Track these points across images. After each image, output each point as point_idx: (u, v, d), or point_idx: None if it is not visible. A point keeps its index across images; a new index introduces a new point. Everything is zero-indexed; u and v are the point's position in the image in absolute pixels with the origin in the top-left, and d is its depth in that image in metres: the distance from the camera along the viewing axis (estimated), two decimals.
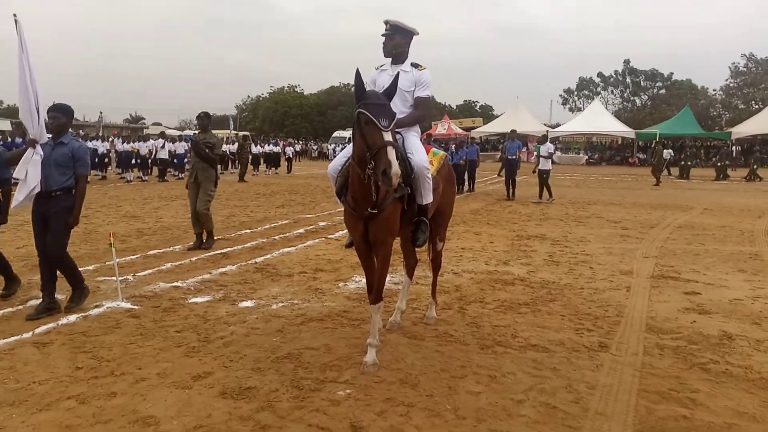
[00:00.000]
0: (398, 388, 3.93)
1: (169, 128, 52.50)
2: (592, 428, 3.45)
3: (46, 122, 5.45)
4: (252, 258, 8.02)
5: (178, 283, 6.53)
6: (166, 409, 3.56)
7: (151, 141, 23.31)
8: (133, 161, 22.69)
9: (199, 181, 8.66)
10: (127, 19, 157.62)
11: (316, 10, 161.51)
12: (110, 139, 25.92)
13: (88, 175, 5.61)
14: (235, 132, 45.92)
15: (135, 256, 7.93)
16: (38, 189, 5.26)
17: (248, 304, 5.87)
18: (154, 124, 64.60)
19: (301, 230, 10.64)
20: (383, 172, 3.61)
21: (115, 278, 6.01)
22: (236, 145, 28.37)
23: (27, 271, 7.01)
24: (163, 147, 22.60)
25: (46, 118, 5.45)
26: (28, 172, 5.20)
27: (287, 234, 10.19)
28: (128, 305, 5.67)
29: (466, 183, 19.07)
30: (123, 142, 24.21)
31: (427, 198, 4.48)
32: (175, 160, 23.74)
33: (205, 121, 9.06)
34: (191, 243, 8.72)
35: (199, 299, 5.96)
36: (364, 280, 5.38)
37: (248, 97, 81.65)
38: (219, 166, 25.00)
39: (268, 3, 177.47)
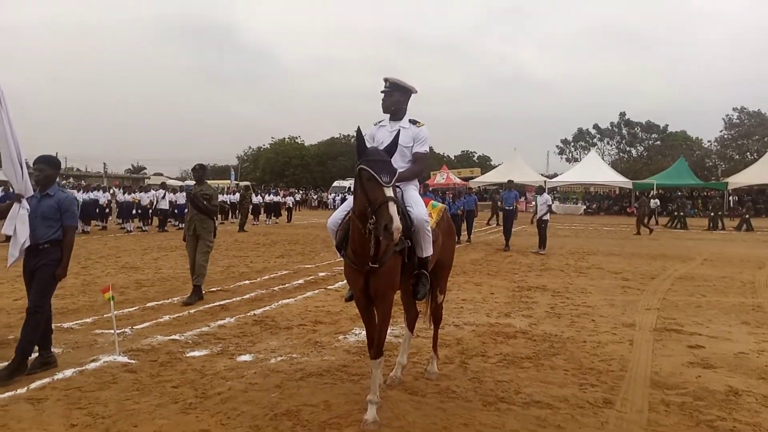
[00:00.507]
0: None
1: (171, 178, 53.05)
2: None
3: (32, 174, 5.40)
4: (251, 310, 7.95)
5: (176, 336, 6.45)
6: None
7: (153, 191, 23.44)
8: (134, 212, 22.76)
9: (197, 233, 8.61)
10: (129, 69, 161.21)
11: (316, 65, 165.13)
12: (111, 190, 26.07)
13: (75, 227, 5.51)
14: (236, 182, 46.35)
15: (133, 308, 7.87)
16: (27, 243, 5.17)
17: (246, 358, 5.79)
18: (156, 174, 65.23)
19: (301, 281, 10.59)
20: (385, 228, 3.65)
21: (112, 331, 5.95)
22: (237, 195, 28.56)
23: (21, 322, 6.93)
24: (163, 197, 22.73)
25: (31, 171, 5.40)
26: (17, 228, 5.14)
27: (286, 285, 10.14)
28: (125, 359, 5.59)
29: (464, 233, 19.07)
30: (124, 193, 24.36)
31: (427, 251, 4.49)
32: (176, 211, 23.84)
33: (201, 172, 9.09)
34: (186, 297, 8.51)
35: (197, 353, 5.88)
36: (364, 333, 5.33)
37: (249, 147, 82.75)
38: (219, 216, 24.90)
39: (270, 56, 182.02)
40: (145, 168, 79.17)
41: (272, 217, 29.72)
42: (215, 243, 9.11)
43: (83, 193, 22.07)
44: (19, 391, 4.72)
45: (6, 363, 5.09)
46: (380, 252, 4.09)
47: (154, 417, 4.26)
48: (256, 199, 29.78)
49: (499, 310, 8.26)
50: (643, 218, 25.11)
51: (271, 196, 31.36)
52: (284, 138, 76.54)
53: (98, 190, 23.50)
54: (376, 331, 4.37)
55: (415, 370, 5.47)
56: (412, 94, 4.87)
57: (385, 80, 4.78)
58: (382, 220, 3.68)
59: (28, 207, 5.22)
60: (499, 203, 23.29)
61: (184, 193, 23.53)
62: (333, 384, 5.08)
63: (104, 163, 42.47)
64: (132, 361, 5.55)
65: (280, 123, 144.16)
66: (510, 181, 19.34)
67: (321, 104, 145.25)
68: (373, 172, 3.81)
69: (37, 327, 5.16)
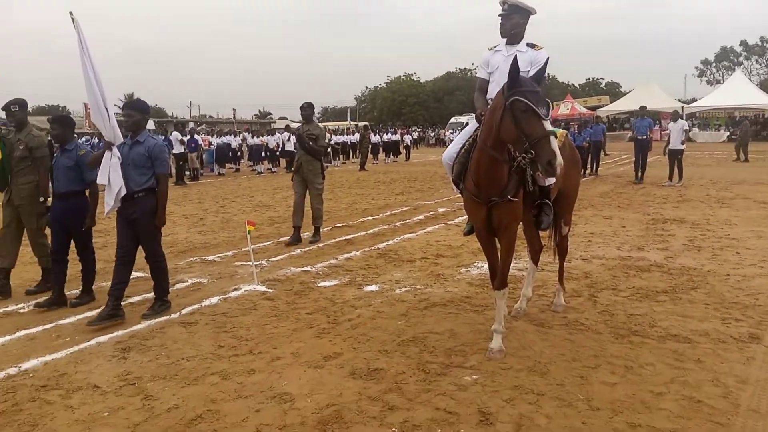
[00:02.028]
0: (526, 376, 3.84)
1: (294, 122, 54.79)
2: (743, 426, 3.17)
3: (121, 121, 5.39)
4: (375, 244, 8.19)
5: (308, 268, 6.82)
6: (300, 387, 3.73)
7: (278, 134, 24.48)
8: (263, 154, 23.94)
9: (303, 173, 8.41)
10: (250, 21, 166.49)
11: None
12: (241, 135, 27.52)
13: (167, 174, 5.39)
14: (355, 123, 47.06)
15: (268, 243, 8.38)
16: (124, 191, 5.09)
17: (373, 288, 6.00)
18: (281, 118, 67.71)
19: (421, 217, 10.70)
20: (548, 163, 3.50)
21: (250, 263, 6.40)
22: (357, 135, 29.09)
23: (173, 256, 7.65)
24: (288, 140, 23.60)
25: (120, 117, 5.44)
26: (110, 176, 5.07)
27: (407, 220, 10.29)
28: (263, 288, 6.01)
29: (589, 166, 18.05)
30: (253, 137, 25.64)
31: (551, 179, 4.31)
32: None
33: (308, 111, 8.71)
34: (288, 238, 8.46)
35: (327, 283, 6.19)
36: (486, 266, 5.31)
37: (366, 88, 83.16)
38: (341, 156, 25.49)
39: None
40: (270, 113, 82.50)
41: (391, 156, 30.03)
42: (324, 183, 8.83)
43: (216, 137, 23.52)
44: (173, 315, 5.23)
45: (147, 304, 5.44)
46: (510, 184, 4.00)
47: (292, 340, 4.57)
48: (374, 138, 30.18)
49: (632, 243, 7.86)
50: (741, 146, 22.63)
51: (389, 135, 31.59)
52: (400, 76, 76.11)
53: (230, 135, 24.91)
54: (499, 262, 4.33)
55: (540, 302, 5.39)
56: (531, 16, 4.59)
57: (503, 2, 4.51)
58: (544, 155, 3.51)
59: (120, 155, 5.13)
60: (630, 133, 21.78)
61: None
62: (457, 314, 5.15)
63: (233, 109, 44.64)
64: (269, 290, 5.95)
65: (395, 61, 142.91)
66: (642, 108, 17.91)
67: (435, 39, 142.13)
68: (531, 104, 3.58)
69: (163, 273, 5.37)
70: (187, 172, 19.38)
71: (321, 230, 8.72)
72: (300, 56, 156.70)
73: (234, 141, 24.24)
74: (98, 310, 5.13)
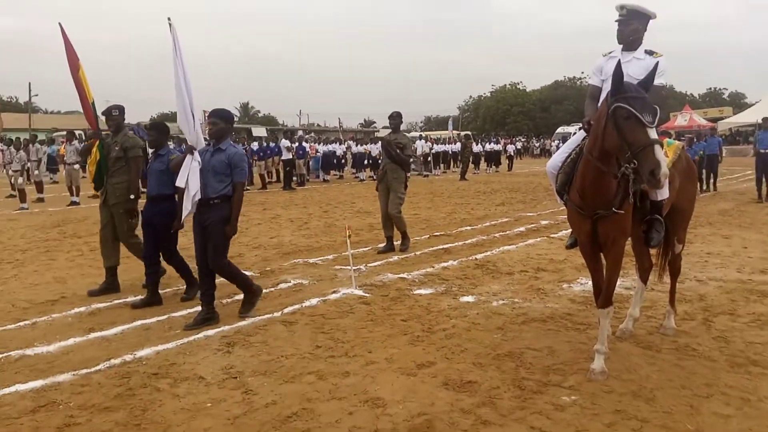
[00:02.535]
0: (630, 401, 3.63)
1: (403, 132, 55.35)
2: None
3: (205, 128, 5.51)
4: (472, 254, 8.09)
5: (404, 275, 6.86)
6: (393, 393, 3.75)
7: (381, 144, 24.85)
8: (366, 162, 24.41)
9: (388, 182, 8.35)
10: (354, 30, 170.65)
11: (538, 4, 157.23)
12: (346, 143, 28.22)
13: (244, 183, 5.42)
14: (457, 132, 46.82)
15: (366, 248, 8.52)
16: (198, 196, 5.13)
17: (469, 299, 5.93)
18: (384, 127, 68.64)
19: (522, 228, 10.45)
20: (651, 173, 3.32)
21: (349, 267, 6.53)
22: (458, 144, 28.96)
23: (278, 258, 7.97)
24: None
25: (205, 124, 5.55)
26: (189, 180, 5.12)
27: (507, 232, 10.09)
28: (360, 293, 6.11)
29: (704, 182, 16.66)
30: (357, 145, 26.21)
31: (662, 193, 4.07)
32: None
33: (397, 120, 8.68)
34: (381, 246, 8.44)
35: (423, 291, 6.19)
36: (590, 282, 5.09)
37: (470, 97, 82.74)
38: (441, 166, 25.42)
39: (487, 2, 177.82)
40: (374, 122, 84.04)
41: (492, 166, 29.62)
42: (406, 194, 8.74)
43: (323, 145, 24.28)
44: (275, 314, 5.44)
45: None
46: (617, 196, 3.81)
47: (386, 345, 4.61)
48: (476, 147, 29.89)
49: (753, 265, 7.24)
50: None
51: (492, 144, 31.18)
52: (505, 85, 75.01)
53: (335, 143, 25.62)
54: (604, 279, 4.13)
55: (648, 324, 5.09)
56: (651, 21, 4.35)
57: (621, 7, 4.31)
58: (647, 165, 3.32)
59: (200, 160, 5.18)
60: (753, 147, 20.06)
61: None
62: (557, 331, 4.97)
63: (339, 118, 45.96)
64: (366, 295, 6.04)
65: (500, 70, 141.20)
66: (765, 119, 16.46)
67: (543, 46, 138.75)
68: (634, 110, 3.41)
69: (233, 275, 5.36)
70: (294, 178, 20.12)
71: (409, 235, 8.63)
72: (403, 65, 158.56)
73: (339, 149, 24.91)
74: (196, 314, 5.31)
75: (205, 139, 5.55)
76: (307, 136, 30.52)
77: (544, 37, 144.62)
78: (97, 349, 4.61)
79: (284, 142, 20.24)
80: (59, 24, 6.47)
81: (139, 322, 5.23)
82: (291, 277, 6.88)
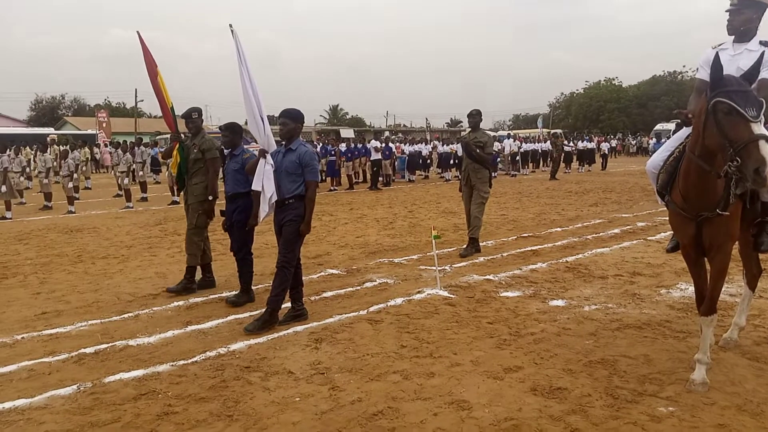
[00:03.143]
0: (734, 415, 3.38)
1: (484, 129, 54.73)
2: None
3: (275, 129, 5.47)
4: (563, 257, 7.83)
5: (490, 277, 6.74)
6: (479, 397, 3.69)
7: None
8: (452, 161, 24.25)
9: (471, 182, 8.19)
10: (442, 31, 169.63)
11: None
12: (432, 143, 28.17)
13: (316, 182, 5.33)
14: (547, 130, 45.60)
15: (451, 249, 8.45)
16: (275, 198, 5.21)
17: (559, 303, 5.74)
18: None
19: (616, 230, 10.00)
20: (755, 171, 3.07)
21: (434, 268, 6.50)
22: (548, 143, 28.18)
23: (364, 257, 8.06)
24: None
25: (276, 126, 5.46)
26: (264, 184, 5.19)
27: (600, 234, 9.68)
28: (445, 293, 6.06)
29: None
30: (443, 145, 26.10)
31: None
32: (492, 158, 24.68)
33: (476, 119, 8.48)
34: (464, 248, 8.22)
35: (510, 294, 6.06)
36: (691, 288, 4.78)
37: (561, 94, 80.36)
38: (530, 165, 24.77)
39: None
40: (461, 121, 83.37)
41: (585, 165, 28.57)
42: (490, 193, 8.53)
43: (409, 145, 24.36)
44: (361, 312, 5.50)
45: (260, 312, 5.34)
46: (723, 197, 3.55)
47: (472, 348, 4.54)
48: (567, 146, 28.95)
49: None
50: None
51: (584, 142, 30.08)
52: (599, 81, 72.17)
53: (421, 143, 25.64)
54: (708, 285, 3.87)
55: (755, 334, 4.72)
56: (767, 9, 4.02)
57: None
58: (750, 162, 3.08)
59: (272, 162, 5.22)
60: None
61: (497, 143, 24.14)
62: (654, 338, 4.71)
63: (426, 119, 46.01)
64: (451, 296, 5.99)
65: (593, 66, 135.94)
66: None
67: (640, 40, 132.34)
68: (734, 105, 3.19)
69: (285, 281, 5.17)
70: (380, 178, 20.32)
71: (479, 242, 8.30)
72: (490, 65, 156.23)
73: (425, 149, 24.89)
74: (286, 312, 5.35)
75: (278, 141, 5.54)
76: (393, 136, 30.76)
77: (644, 31, 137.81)
78: (193, 342, 4.85)
79: (374, 143, 20.48)
80: (137, 32, 6.70)
81: (232, 317, 5.45)
82: (376, 276, 6.94)
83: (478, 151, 8.17)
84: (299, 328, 5.09)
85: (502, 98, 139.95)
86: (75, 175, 15.07)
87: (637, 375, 3.99)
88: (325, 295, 6.14)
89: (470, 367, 4.17)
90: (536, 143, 29.50)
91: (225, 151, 6.34)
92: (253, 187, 5.36)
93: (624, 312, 5.41)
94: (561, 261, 7.56)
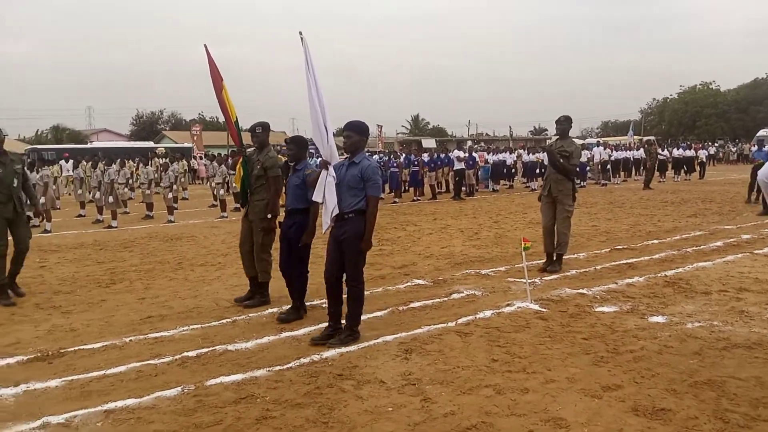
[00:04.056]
0: None
1: (571, 137, 53.22)
2: None
3: (339, 142, 5.33)
4: (661, 270, 7.46)
5: (584, 290, 6.52)
6: (576, 415, 3.57)
7: None
8: (538, 171, 23.71)
9: (553, 195, 7.75)
10: (523, 37, 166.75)
11: None
12: (516, 152, 27.68)
13: (378, 197, 5.10)
14: (639, 137, 43.71)
15: (541, 261, 8.23)
16: (336, 211, 5.03)
17: (659, 319, 5.47)
18: (556, 135, 66.44)
19: (719, 243, 9.41)
20: None
21: (524, 280, 6.37)
22: (640, 150, 27.00)
23: (450, 267, 8.01)
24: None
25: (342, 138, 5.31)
26: (326, 196, 5.04)
27: (701, 246, 9.15)
28: (536, 307, 5.92)
29: None
30: (528, 153, 25.58)
31: None
32: (577, 169, 23.92)
33: (564, 126, 7.94)
34: (543, 263, 7.86)
35: (605, 309, 5.83)
36: None
37: (653, 99, 76.82)
38: (622, 174, 23.90)
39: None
40: (546, 129, 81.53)
41: (681, 173, 27.13)
42: (575, 207, 8.03)
43: (492, 155, 24.06)
44: (449, 324, 5.46)
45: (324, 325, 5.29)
46: None
47: (567, 364, 4.40)
48: (662, 154, 27.60)
49: None
50: None
51: (681, 150, 28.58)
52: (695, 85, 68.46)
53: (505, 152, 25.25)
54: None
55: None
56: None
57: None
58: None
59: (335, 175, 5.07)
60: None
61: (587, 151, 23.40)
62: (766, 360, 4.40)
63: (509, 127, 45.26)
64: (543, 310, 5.84)
65: (688, 69, 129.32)
66: None
67: (741, 42, 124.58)
68: None
69: (358, 300, 5.11)
70: (463, 188, 20.18)
71: (563, 258, 7.82)
72: (576, 68, 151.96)
73: (509, 158, 24.48)
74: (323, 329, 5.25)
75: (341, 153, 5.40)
76: (476, 146, 30.49)
77: (744, 32, 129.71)
78: (288, 348, 4.99)
79: (457, 153, 20.38)
80: (204, 45, 6.63)
81: (323, 324, 5.55)
82: (463, 287, 6.88)
83: (562, 161, 7.70)
84: (389, 338, 5.12)
85: (589, 104, 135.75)
86: (174, 186, 15.93)
87: (749, 398, 3.74)
88: (412, 305, 6.16)
89: (566, 384, 4.04)
90: (628, 151, 28.32)
91: (289, 164, 6.24)
92: (313, 198, 5.22)
93: (731, 330, 5.08)
94: (659, 275, 7.20)
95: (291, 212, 5.87)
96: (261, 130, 6.40)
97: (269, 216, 6.23)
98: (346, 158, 5.19)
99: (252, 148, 6.64)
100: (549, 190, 7.81)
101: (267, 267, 6.42)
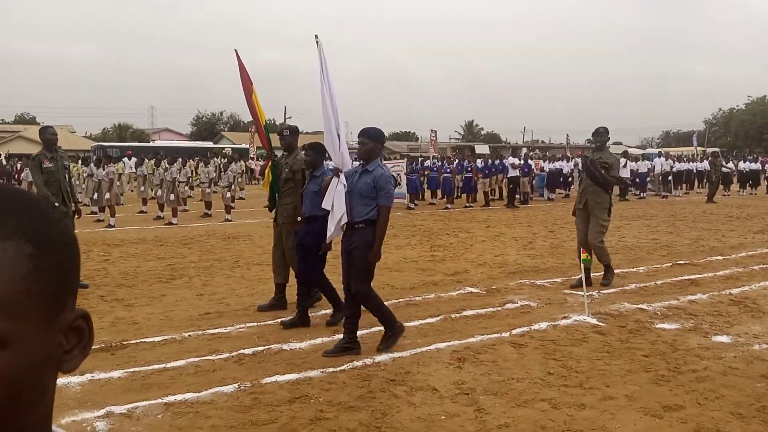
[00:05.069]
0: None
1: (630, 147, 51.75)
2: None
3: (354, 149, 5.16)
4: (725, 288, 7.16)
5: (644, 306, 6.32)
6: None
7: None
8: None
9: (589, 207, 7.42)
10: (585, 44, 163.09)
11: None
12: (574, 160, 27.12)
13: (389, 207, 4.93)
14: (702, 149, 42.15)
15: (598, 273, 8.03)
16: (345, 220, 4.89)
17: (723, 339, 5.25)
18: (615, 143, 64.70)
19: None
20: None
21: (582, 293, 6.22)
22: (704, 162, 26.01)
23: (504, 276, 7.93)
24: (624, 166, 22.38)
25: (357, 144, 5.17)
26: (334, 203, 4.89)
27: None
28: (594, 321, 5.78)
29: None
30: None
31: None
32: (637, 179, 23.26)
33: (603, 137, 7.70)
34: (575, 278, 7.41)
35: (666, 326, 5.64)
36: None
37: (720, 109, 73.93)
38: (683, 186, 23.06)
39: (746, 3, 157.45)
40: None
41: (748, 188, 25.98)
42: (610, 221, 7.69)
43: (548, 162, 23.64)
44: (503, 334, 5.39)
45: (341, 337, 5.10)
46: None
47: (626, 381, 4.28)
48: (726, 167, 26.50)
49: None
50: None
51: (747, 163, 27.37)
52: (764, 96, 65.50)
53: (562, 160, 24.76)
54: None
55: None
56: None
57: None
58: None
59: (345, 182, 4.92)
60: None
61: (647, 161, 22.74)
62: None
63: (567, 134, 44.24)
64: (601, 324, 5.70)
65: (759, 78, 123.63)
66: None
67: None
68: None
69: (375, 306, 5.01)
70: (517, 196, 19.91)
71: (612, 268, 7.49)
72: (638, 77, 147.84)
73: (566, 166, 24.00)
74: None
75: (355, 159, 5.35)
76: (531, 153, 30.02)
77: None
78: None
79: (511, 160, 20.13)
80: (235, 50, 6.61)
81: (375, 329, 5.56)
82: (518, 297, 6.79)
83: (602, 172, 7.37)
84: (441, 345, 5.10)
85: (648, 113, 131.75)
86: (233, 186, 16.33)
87: None
88: (465, 313, 6.11)
89: (625, 401, 3.93)
90: (691, 162, 27.34)
91: (306, 170, 6.08)
92: (322, 205, 5.09)
93: None
94: (724, 293, 6.92)
95: (309, 219, 5.72)
96: (289, 134, 6.36)
97: (299, 219, 6.06)
98: (359, 165, 5.07)
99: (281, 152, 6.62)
100: (585, 203, 7.52)
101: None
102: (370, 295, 4.98)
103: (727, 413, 3.75)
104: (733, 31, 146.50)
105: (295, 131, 6.51)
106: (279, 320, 5.90)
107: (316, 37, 5.11)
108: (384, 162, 20.35)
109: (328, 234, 5.04)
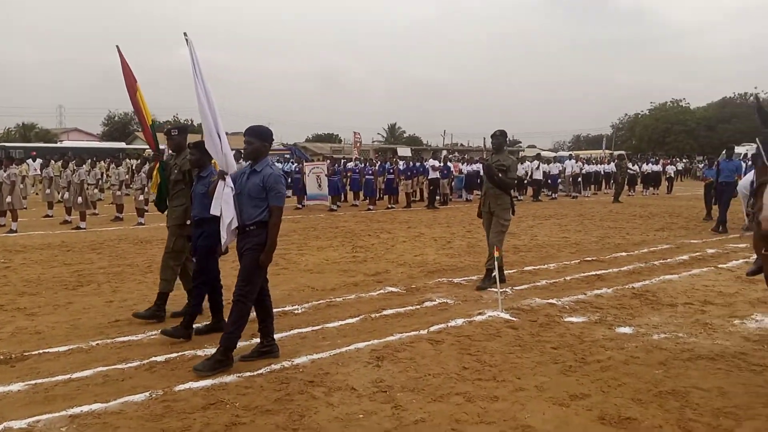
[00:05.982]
0: None
1: (543, 150, 53.99)
2: None
3: (240, 148, 4.97)
4: (629, 282, 7.61)
5: (553, 300, 6.61)
6: (544, 423, 3.62)
7: (527, 163, 24.30)
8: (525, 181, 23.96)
9: (491, 209, 7.57)
10: (498, 50, 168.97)
11: (711, 20, 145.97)
12: None
13: (281, 207, 4.67)
14: (609, 151, 44.61)
15: (512, 271, 8.33)
16: (236, 224, 4.69)
17: (626, 330, 5.57)
18: (529, 146, 67.28)
19: (685, 257, 9.63)
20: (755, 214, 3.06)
21: (495, 290, 6.43)
22: (611, 165, 27.53)
23: (423, 276, 8.06)
24: (537, 168, 23.33)
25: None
26: (222, 208, 4.70)
27: (668, 260, 9.35)
28: (507, 316, 5.99)
29: None
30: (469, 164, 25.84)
31: None
32: (549, 181, 24.27)
33: (500, 140, 7.74)
34: (481, 279, 7.55)
35: (574, 319, 5.93)
36: (767, 321, 4.57)
37: (626, 115, 78.41)
38: (591, 187, 24.17)
39: (653, 18, 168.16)
40: (520, 141, 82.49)
41: (650, 188, 27.72)
42: (510, 222, 7.79)
43: (467, 165, 24.26)
44: (421, 332, 5.48)
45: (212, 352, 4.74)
46: None
47: (536, 373, 4.46)
48: (631, 169, 28.17)
49: None
50: None
51: (650, 165, 29.21)
52: (666, 102, 70.14)
53: (479, 163, 25.44)
54: None
55: None
56: None
57: None
58: (756, 204, 3.11)
59: (232, 185, 4.72)
60: None
61: (559, 164, 23.78)
62: (728, 371, 4.51)
63: (484, 138, 45.65)
64: (514, 319, 5.91)
65: (662, 87, 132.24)
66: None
67: (716, 61, 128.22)
68: (761, 148, 3.30)
69: (242, 316, 4.63)
70: (437, 197, 20.29)
71: (499, 275, 6.73)
72: (550, 83, 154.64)
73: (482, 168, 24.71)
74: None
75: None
76: (451, 156, 30.70)
77: (715, 52, 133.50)
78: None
79: (432, 162, 20.52)
80: (117, 47, 6.36)
81: (295, 331, 5.54)
82: (436, 295, 6.92)
83: (500, 175, 7.49)
84: (360, 345, 5.12)
85: (562, 118, 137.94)
86: (146, 189, 15.71)
87: (711, 408, 3.83)
88: (385, 312, 6.17)
89: (535, 392, 4.10)
90: (599, 165, 28.85)
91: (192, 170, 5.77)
92: (211, 211, 4.86)
93: (695, 342, 5.21)
94: (627, 287, 7.35)
95: (199, 222, 5.45)
96: (177, 133, 6.05)
97: (188, 222, 5.79)
98: (247, 166, 4.82)
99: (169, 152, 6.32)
100: (488, 205, 7.67)
101: (171, 276, 6.03)
102: (247, 304, 4.64)
103: (628, 399, 3.98)
104: (644, 43, 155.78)
105: (183, 130, 6.20)
106: (195, 324, 5.73)
107: (185, 35, 4.92)
108: (306, 163, 20.34)
109: (222, 240, 4.82)
